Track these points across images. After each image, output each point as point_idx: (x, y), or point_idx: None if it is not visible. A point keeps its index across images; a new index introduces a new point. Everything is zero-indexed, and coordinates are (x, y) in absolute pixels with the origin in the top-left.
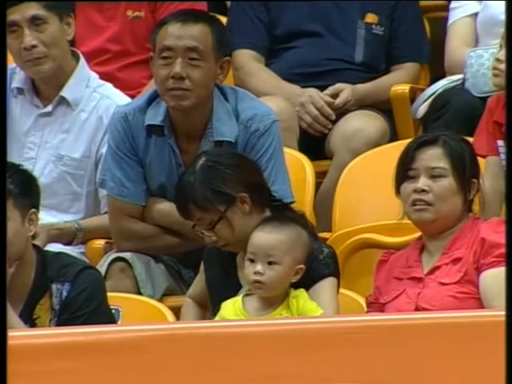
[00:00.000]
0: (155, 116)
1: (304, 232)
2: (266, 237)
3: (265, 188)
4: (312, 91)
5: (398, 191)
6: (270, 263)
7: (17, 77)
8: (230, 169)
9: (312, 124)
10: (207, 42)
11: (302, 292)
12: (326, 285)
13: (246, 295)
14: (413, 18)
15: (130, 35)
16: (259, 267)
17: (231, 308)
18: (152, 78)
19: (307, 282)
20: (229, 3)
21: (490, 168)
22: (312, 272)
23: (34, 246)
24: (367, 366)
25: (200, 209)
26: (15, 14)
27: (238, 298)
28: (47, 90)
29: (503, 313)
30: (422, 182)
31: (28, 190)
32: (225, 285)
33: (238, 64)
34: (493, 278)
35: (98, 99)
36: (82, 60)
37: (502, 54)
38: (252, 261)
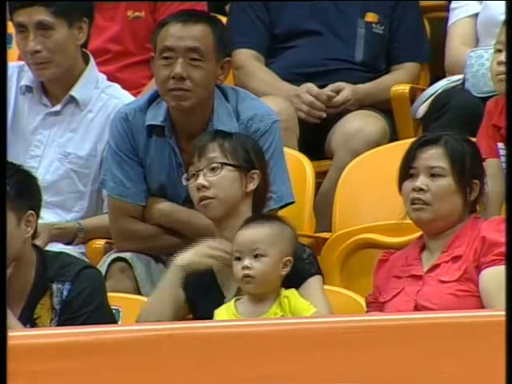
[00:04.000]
0: (156, 116)
1: (287, 226)
2: (249, 232)
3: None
4: (308, 84)
5: (400, 188)
6: (256, 256)
7: (26, 75)
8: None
9: (310, 112)
10: (208, 42)
11: (292, 291)
12: (316, 282)
13: (237, 299)
14: (413, 17)
15: (130, 35)
16: (246, 262)
17: (225, 314)
18: (152, 77)
19: (295, 280)
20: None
21: (489, 170)
22: (299, 270)
23: (34, 246)
24: (367, 366)
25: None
26: (23, 16)
27: (230, 303)
28: (56, 90)
29: (503, 313)
30: (421, 181)
31: (25, 192)
32: (207, 298)
33: (237, 64)
34: (493, 277)
35: (105, 100)
36: (92, 61)
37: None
38: (239, 259)
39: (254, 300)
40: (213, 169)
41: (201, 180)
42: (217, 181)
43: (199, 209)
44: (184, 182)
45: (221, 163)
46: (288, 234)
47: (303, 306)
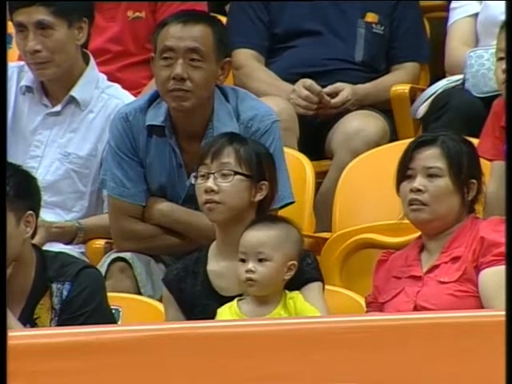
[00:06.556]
0: (156, 116)
1: (293, 228)
2: (254, 234)
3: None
4: (303, 79)
5: (398, 190)
6: (260, 260)
7: (26, 75)
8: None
9: (307, 106)
10: (208, 42)
11: (297, 294)
12: (317, 288)
13: (240, 299)
14: (413, 17)
15: (130, 36)
16: (250, 265)
17: (228, 313)
18: (152, 77)
19: (298, 282)
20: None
21: (495, 172)
22: (303, 273)
23: (34, 246)
24: (366, 366)
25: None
26: (22, 16)
27: (233, 303)
28: (56, 91)
29: (503, 313)
30: (419, 181)
31: (24, 192)
32: (202, 301)
33: (237, 64)
34: (492, 277)
35: (106, 100)
36: (92, 62)
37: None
38: (243, 261)
39: (257, 301)
40: (224, 174)
41: (210, 183)
42: (226, 187)
43: (203, 210)
44: (192, 181)
45: (234, 171)
46: (294, 237)
47: (308, 309)
